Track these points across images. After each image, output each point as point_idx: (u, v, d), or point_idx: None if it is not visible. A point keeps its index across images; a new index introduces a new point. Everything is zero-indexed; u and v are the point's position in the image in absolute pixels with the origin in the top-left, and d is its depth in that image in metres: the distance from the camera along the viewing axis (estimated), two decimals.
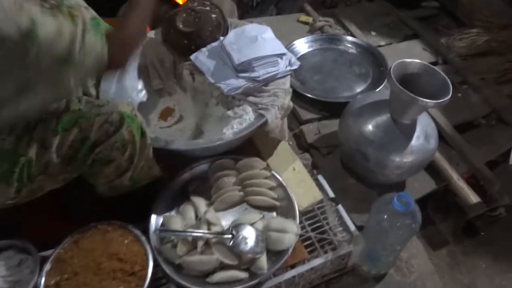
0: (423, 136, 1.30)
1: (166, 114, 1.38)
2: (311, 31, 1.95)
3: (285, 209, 1.18)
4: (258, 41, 1.24)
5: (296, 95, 1.64)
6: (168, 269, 1.06)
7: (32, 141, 0.98)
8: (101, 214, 1.19)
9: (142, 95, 1.41)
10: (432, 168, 1.48)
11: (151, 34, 1.42)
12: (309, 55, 1.82)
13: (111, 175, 1.12)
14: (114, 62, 0.98)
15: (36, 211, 1.26)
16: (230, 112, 1.20)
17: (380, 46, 1.92)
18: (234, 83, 1.18)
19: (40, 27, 0.78)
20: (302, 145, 1.56)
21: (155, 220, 1.16)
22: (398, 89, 1.17)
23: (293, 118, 1.63)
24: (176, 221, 1.15)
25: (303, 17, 2.02)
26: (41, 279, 1.03)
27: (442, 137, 1.57)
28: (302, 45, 1.83)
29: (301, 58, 1.79)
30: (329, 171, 1.47)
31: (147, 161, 1.16)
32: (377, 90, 1.58)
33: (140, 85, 1.41)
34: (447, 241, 1.46)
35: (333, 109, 1.59)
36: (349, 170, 1.46)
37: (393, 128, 1.29)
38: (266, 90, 1.21)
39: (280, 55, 1.23)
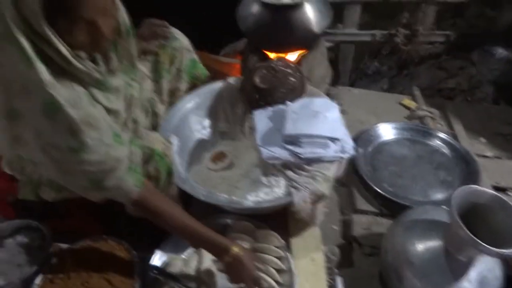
0: (478, 282, 1.07)
1: (218, 157, 1.40)
2: (409, 118, 1.79)
3: None
4: (319, 118, 1.19)
5: (360, 180, 1.51)
6: None
7: None
8: (131, 231, 1.26)
9: (205, 132, 1.46)
10: None
11: (231, 79, 1.47)
12: (395, 142, 1.67)
13: None
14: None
15: (78, 213, 1.39)
16: (264, 179, 1.17)
17: (484, 156, 1.66)
18: (276, 152, 1.15)
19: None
20: (346, 235, 1.42)
21: (158, 256, 1.17)
22: (456, 223, 0.99)
23: (349, 203, 1.51)
24: (177, 265, 1.15)
25: (406, 101, 1.86)
26: (43, 270, 1.12)
27: None
28: (388, 130, 1.69)
29: (383, 143, 1.65)
30: (362, 274, 1.31)
31: (170, 197, 1.19)
32: (445, 207, 1.36)
33: (206, 122, 1.47)
34: None
35: (394, 209, 1.42)
36: (383, 283, 1.28)
37: (442, 259, 1.09)
38: (306, 170, 1.14)
39: (333, 139, 1.15)
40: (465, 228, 0.96)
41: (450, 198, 1.41)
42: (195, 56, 1.47)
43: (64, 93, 0.83)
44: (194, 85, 1.52)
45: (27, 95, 0.82)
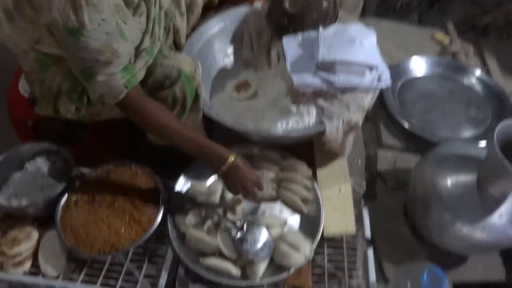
0: (508, 217, 1.05)
1: (241, 86, 1.34)
2: (441, 53, 1.70)
3: (309, 226, 1.09)
4: (355, 44, 1.11)
5: (387, 115, 1.46)
6: (171, 233, 1.06)
7: None
8: (153, 160, 1.23)
9: (228, 61, 1.40)
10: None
11: (257, 4, 1.37)
12: (425, 78, 1.59)
13: None
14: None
15: (98, 139, 1.36)
16: (293, 107, 1.12)
17: None
18: (308, 79, 1.09)
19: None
20: (370, 169, 1.40)
21: (183, 182, 1.16)
22: (497, 156, 0.94)
23: (374, 137, 1.47)
24: (201, 191, 1.14)
25: (439, 35, 1.76)
26: (67, 192, 1.11)
27: None
28: (420, 65, 1.60)
29: (414, 79, 1.58)
30: (386, 208, 1.30)
31: (194, 124, 1.15)
32: (479, 143, 1.32)
33: (230, 50, 1.40)
34: None
35: (422, 145, 1.38)
36: (407, 217, 1.27)
37: (474, 194, 1.06)
38: (339, 98, 1.08)
39: (370, 67, 1.08)
40: (505, 159, 0.92)
41: (486, 133, 1.38)
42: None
43: None
44: (208, 3, 1.39)
45: None
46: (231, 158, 0.96)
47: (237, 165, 0.97)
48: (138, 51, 0.95)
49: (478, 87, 1.56)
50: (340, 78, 1.07)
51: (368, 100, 1.10)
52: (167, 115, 0.97)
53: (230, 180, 0.99)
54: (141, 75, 0.95)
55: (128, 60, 0.90)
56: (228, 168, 0.96)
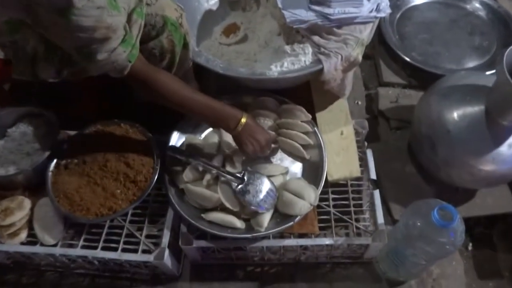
0: None
1: (230, 30, 1.25)
2: None
3: (312, 173, 1.04)
4: None
5: (387, 50, 1.38)
6: (170, 190, 1.01)
7: None
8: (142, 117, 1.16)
9: (213, 3, 1.29)
10: None
11: None
12: (425, 7, 1.49)
13: None
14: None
15: (82, 98, 1.28)
16: (287, 47, 1.03)
17: None
18: (301, 15, 1.00)
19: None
20: (371, 110, 1.34)
21: (176, 137, 1.10)
22: (505, 80, 0.88)
23: (374, 76, 1.39)
24: (196, 145, 1.08)
25: None
26: (55, 157, 1.05)
27: None
28: None
29: (413, 8, 1.48)
30: (390, 148, 1.26)
31: (185, 74, 1.08)
32: (485, 72, 1.25)
33: None
34: (501, 274, 1.20)
35: (424, 79, 1.32)
36: (412, 156, 1.23)
37: (482, 125, 1.01)
38: (336, 34, 1.00)
39: None
40: None
41: (492, 63, 1.31)
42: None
43: None
44: None
45: None
46: (244, 118, 0.94)
47: (250, 124, 0.95)
48: (128, 14, 0.86)
49: (482, 12, 1.47)
50: (336, 10, 0.98)
51: (366, 33, 1.01)
52: (177, 82, 0.91)
53: (245, 138, 0.97)
54: (138, 43, 0.87)
55: (125, 30, 0.81)
56: (243, 128, 0.94)
